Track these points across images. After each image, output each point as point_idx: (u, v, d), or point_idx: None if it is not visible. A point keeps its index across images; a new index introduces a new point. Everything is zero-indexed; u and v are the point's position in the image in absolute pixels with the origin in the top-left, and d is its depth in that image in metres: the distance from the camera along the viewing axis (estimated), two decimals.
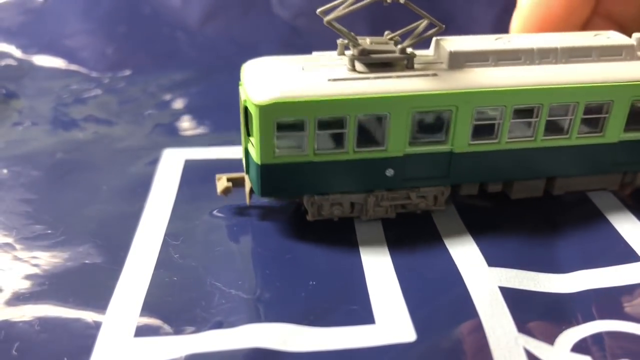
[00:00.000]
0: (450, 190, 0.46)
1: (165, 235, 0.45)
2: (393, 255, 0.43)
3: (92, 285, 0.40)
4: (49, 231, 0.45)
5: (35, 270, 0.41)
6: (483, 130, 0.43)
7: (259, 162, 0.41)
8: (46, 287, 0.39)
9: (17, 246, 0.43)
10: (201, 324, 0.36)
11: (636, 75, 0.44)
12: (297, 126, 0.40)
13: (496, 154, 0.44)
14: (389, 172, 0.43)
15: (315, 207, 0.45)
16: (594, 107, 0.44)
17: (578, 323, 0.37)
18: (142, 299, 0.38)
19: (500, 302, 0.38)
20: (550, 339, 0.35)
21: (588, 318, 0.37)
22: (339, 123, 0.41)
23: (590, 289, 0.39)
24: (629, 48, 0.45)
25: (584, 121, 0.45)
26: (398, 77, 0.41)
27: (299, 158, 0.41)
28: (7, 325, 0.36)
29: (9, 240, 0.44)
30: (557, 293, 0.39)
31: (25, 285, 0.39)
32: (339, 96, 0.39)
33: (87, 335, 0.35)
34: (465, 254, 0.43)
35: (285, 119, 0.39)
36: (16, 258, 0.42)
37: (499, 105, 0.42)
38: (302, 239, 0.45)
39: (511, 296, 0.38)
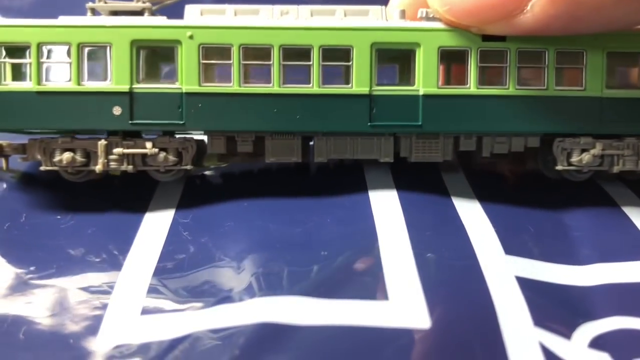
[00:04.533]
0: (195, 146, 0.44)
1: (175, 213, 0.44)
2: (410, 231, 0.41)
3: (99, 265, 0.39)
4: (58, 217, 0.45)
5: (42, 254, 0.40)
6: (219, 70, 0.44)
7: None
8: (54, 271, 0.39)
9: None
10: (209, 300, 0.36)
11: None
12: (23, 52, 0.42)
13: (227, 98, 0.43)
14: (117, 110, 0.42)
15: (47, 153, 0.43)
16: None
17: (596, 318, 0.35)
18: (150, 276, 0.38)
19: (517, 293, 0.36)
20: (567, 333, 0.34)
21: (607, 313, 0.36)
22: (65, 53, 0.42)
23: (609, 284, 0.38)
24: (377, 10, 0.44)
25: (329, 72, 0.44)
26: (122, 17, 0.43)
27: (24, 87, 0.42)
28: (14, 309, 0.36)
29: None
30: (575, 286, 0.38)
31: (32, 268, 0.39)
32: (61, 23, 0.42)
33: (94, 316, 0.35)
34: (482, 238, 0.41)
35: (8, 40, 0.41)
36: (24, 243, 0.42)
37: (223, 43, 0.42)
38: (313, 212, 0.44)
39: (528, 287, 0.37)
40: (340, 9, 0.45)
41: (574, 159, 0.45)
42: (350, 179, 0.48)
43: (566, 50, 0.44)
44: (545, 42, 0.43)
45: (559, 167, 0.45)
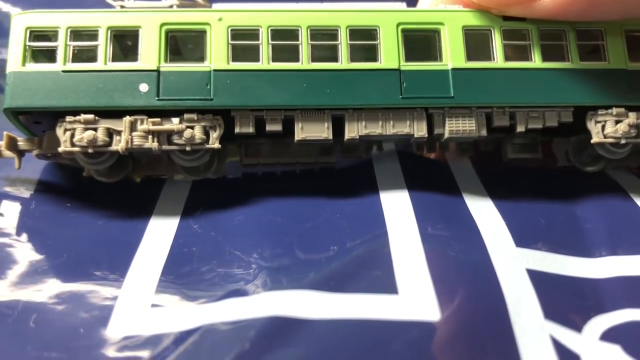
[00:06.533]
0: (223, 125, 0.44)
1: (185, 206, 0.45)
2: (420, 225, 0.41)
3: (111, 257, 0.39)
4: (68, 204, 0.45)
5: (52, 242, 0.41)
6: (246, 52, 0.44)
7: (8, 70, 0.43)
8: (64, 260, 0.39)
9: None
10: (219, 293, 0.36)
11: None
12: (51, 37, 0.44)
13: (255, 75, 0.44)
14: (143, 88, 0.43)
15: (68, 134, 0.42)
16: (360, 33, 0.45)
17: (607, 310, 0.35)
18: (160, 269, 0.38)
19: (528, 286, 0.36)
20: (578, 325, 0.34)
21: (618, 306, 0.36)
22: (93, 36, 0.44)
23: (620, 276, 0.38)
24: (397, 5, 0.47)
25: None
26: (158, 6, 0.46)
27: (51, 67, 0.43)
28: (25, 297, 0.36)
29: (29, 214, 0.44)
30: (586, 278, 0.38)
31: (44, 257, 0.39)
32: (90, 10, 0.44)
33: (104, 306, 0.35)
34: (492, 230, 0.41)
35: (37, 25, 0.43)
36: (35, 231, 0.42)
37: (252, 26, 0.45)
38: (323, 208, 0.44)
39: (539, 280, 0.37)
40: (362, 4, 0.46)
41: (609, 130, 0.44)
42: (360, 177, 0.48)
43: (585, 29, 0.45)
44: (564, 22, 0.45)
45: (594, 140, 0.44)
